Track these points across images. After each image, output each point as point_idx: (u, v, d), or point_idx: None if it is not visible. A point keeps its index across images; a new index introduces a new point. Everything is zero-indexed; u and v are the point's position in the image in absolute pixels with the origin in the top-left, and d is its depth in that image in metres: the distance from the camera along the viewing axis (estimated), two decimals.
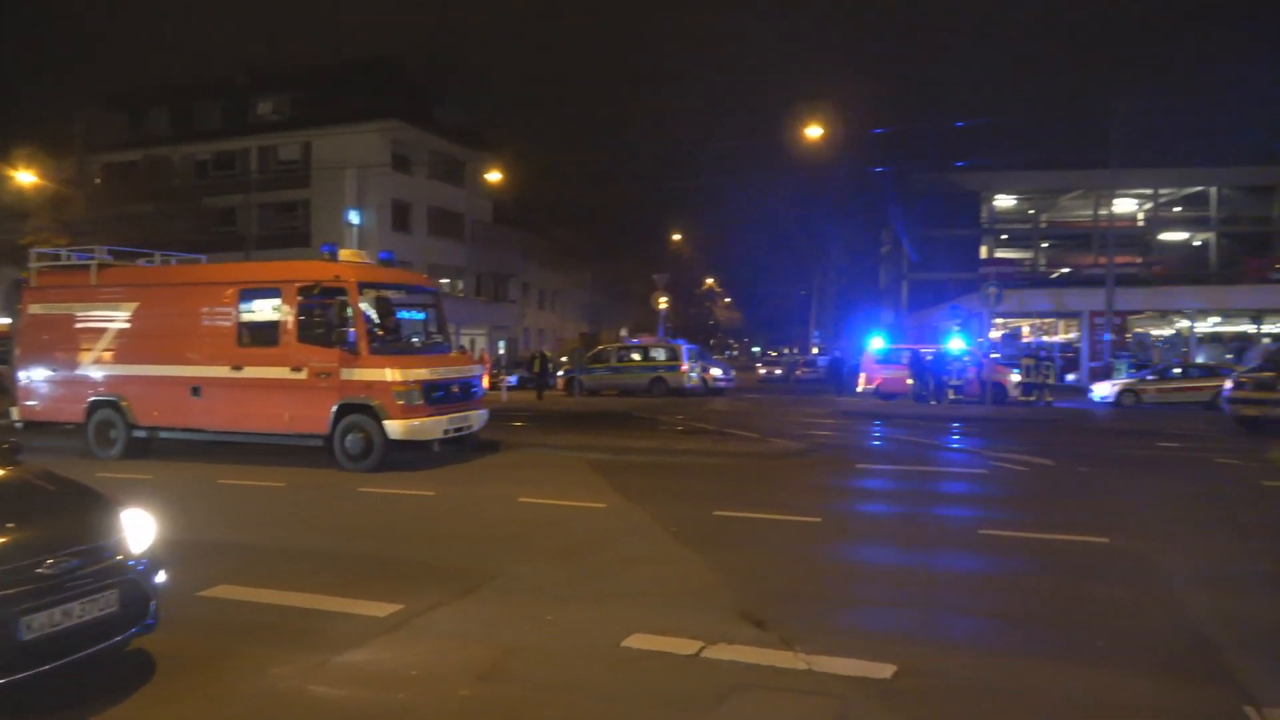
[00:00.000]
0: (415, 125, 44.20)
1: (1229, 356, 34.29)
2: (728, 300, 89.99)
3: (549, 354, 30.36)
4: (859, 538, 7.72)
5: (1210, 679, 4.50)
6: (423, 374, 12.08)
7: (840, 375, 32.78)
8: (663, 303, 33.53)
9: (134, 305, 13.43)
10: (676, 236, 57.59)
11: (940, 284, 50.55)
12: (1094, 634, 5.18)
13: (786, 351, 67.22)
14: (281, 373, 12.26)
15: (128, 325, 13.42)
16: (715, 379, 31.78)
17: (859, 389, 28.73)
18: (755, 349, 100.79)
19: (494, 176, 37.69)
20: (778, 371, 50.09)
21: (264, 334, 12.53)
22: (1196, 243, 56.20)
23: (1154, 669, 4.65)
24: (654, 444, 14.46)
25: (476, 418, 13.14)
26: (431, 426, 12.01)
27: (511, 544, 7.56)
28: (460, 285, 49.38)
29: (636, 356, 30.79)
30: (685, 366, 29.86)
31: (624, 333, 35.91)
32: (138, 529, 4.59)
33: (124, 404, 13.34)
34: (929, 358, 26.56)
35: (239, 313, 12.73)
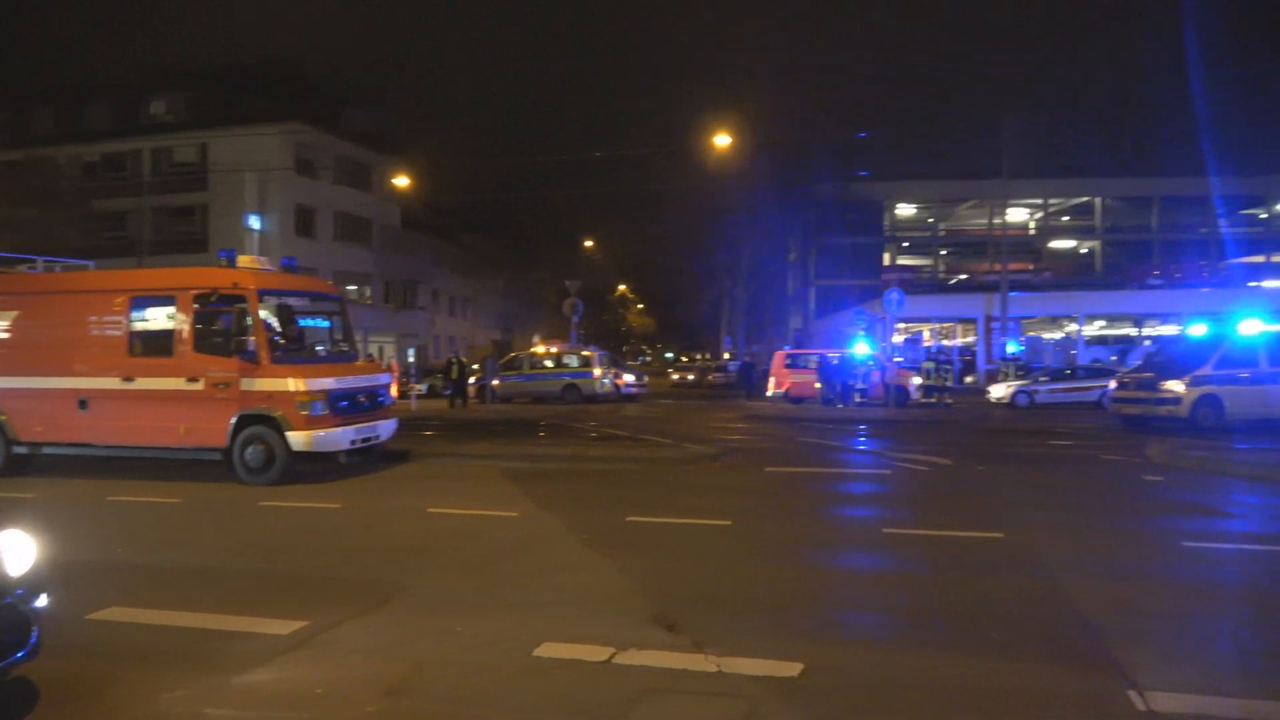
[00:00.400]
0: (320, 128, 43.10)
1: (1113, 358, 36.16)
2: (640, 306, 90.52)
3: (466, 360, 29.79)
4: (769, 539, 7.86)
5: (1097, 664, 4.74)
6: (327, 383, 11.78)
7: (751, 380, 33.28)
8: (574, 309, 33.46)
9: (14, 314, 12.72)
10: (589, 243, 57.73)
11: (846, 290, 51.91)
12: (990, 625, 5.39)
13: (699, 357, 67.90)
14: (176, 384, 11.78)
15: (7, 335, 12.69)
16: (628, 385, 31.89)
17: (769, 393, 29.23)
18: (668, 355, 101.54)
19: (403, 181, 37.05)
20: (690, 377, 50.52)
21: (157, 343, 12.02)
22: (1083, 250, 59.21)
23: (1045, 657, 4.87)
24: (567, 451, 14.43)
25: (385, 427, 12.88)
26: (337, 437, 11.72)
27: (421, 556, 7.43)
28: (368, 292, 48.33)
29: (549, 363, 30.69)
30: (598, 373, 29.88)
31: (537, 339, 35.71)
32: (16, 551, 4.35)
33: (2, 418, 12.61)
34: (836, 362, 27.22)
35: (130, 322, 12.18)
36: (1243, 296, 40.63)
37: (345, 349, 13.18)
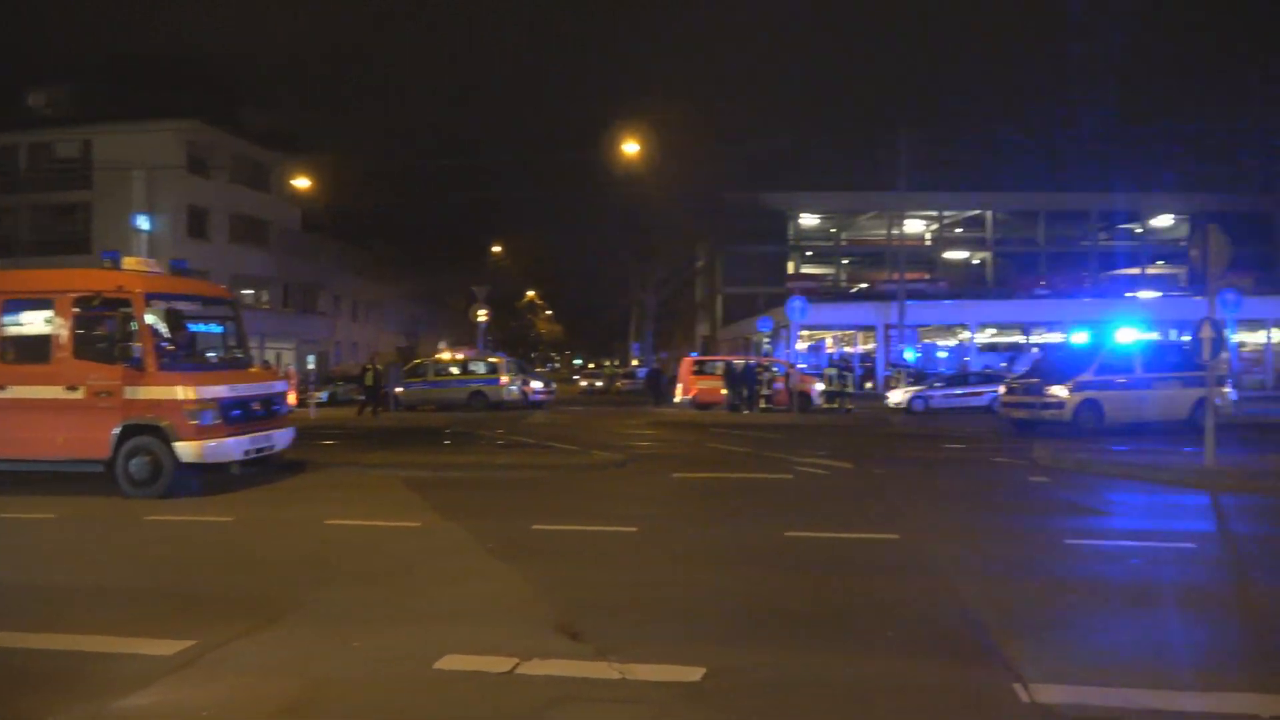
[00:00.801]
0: (215, 125, 41.48)
1: (1003, 365, 37.76)
2: (549, 313, 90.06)
3: (381, 366, 28.99)
4: (673, 545, 7.91)
5: (985, 660, 4.94)
6: (219, 391, 11.33)
7: (659, 386, 33.51)
8: (482, 315, 33.08)
9: None
10: (497, 249, 57.10)
11: (752, 297, 52.75)
12: (885, 624, 5.56)
13: (607, 364, 68.05)
14: (54, 392, 11.14)
15: None
16: (535, 392, 31.73)
17: (677, 399, 29.48)
18: (577, 361, 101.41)
19: (304, 182, 35.94)
20: (599, 384, 50.54)
21: (33, 349, 11.35)
22: (976, 261, 61.77)
23: (937, 654, 5.04)
24: (472, 459, 14.25)
25: (280, 437, 12.46)
26: (229, 447, 11.28)
27: (318, 568, 7.22)
28: (266, 296, 46.73)
29: (455, 370, 30.30)
30: (505, 380, 29.63)
31: (443, 346, 35.08)
32: None
33: None
34: (742, 368, 27.64)
35: (2, 326, 11.47)
36: (1120, 306, 43.09)
37: (239, 355, 12.71)
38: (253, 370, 12.71)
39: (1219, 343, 12.35)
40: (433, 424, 23.27)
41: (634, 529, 8.55)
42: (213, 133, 41.27)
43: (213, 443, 11.09)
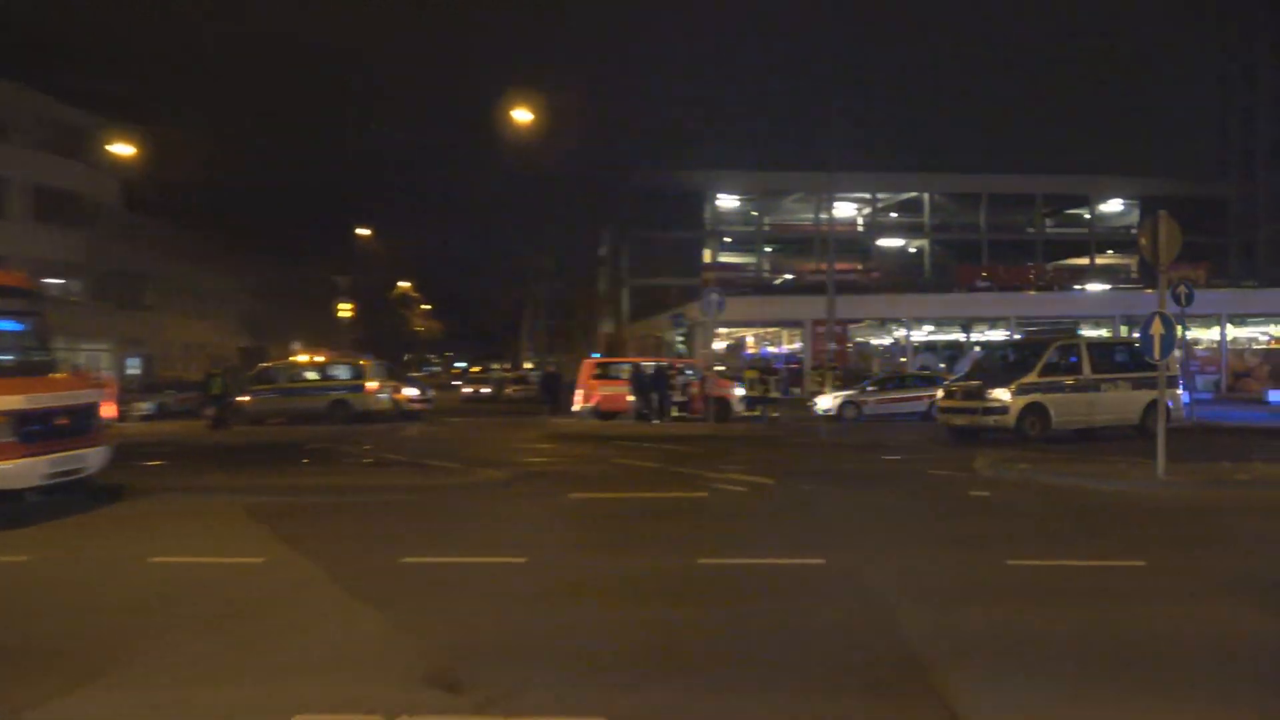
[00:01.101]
0: (13, 80, 39.46)
1: (942, 365, 39.03)
2: (427, 307, 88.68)
3: (224, 371, 27.99)
4: (569, 578, 7.89)
5: (919, 695, 5.08)
6: (13, 402, 10.76)
7: (556, 393, 33.46)
8: (345, 310, 32.43)
9: None
10: (365, 232, 55.87)
11: (663, 290, 53.18)
12: (808, 660, 5.66)
13: (496, 367, 67.59)
14: None
15: None
16: (410, 400, 31.26)
17: (576, 408, 29.44)
18: (460, 364, 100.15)
19: (126, 150, 34.45)
20: (485, 390, 50.15)
21: None
22: (912, 250, 63.72)
23: (866, 692, 5.16)
24: (332, 481, 13.96)
25: (93, 457, 11.92)
26: (24, 471, 10.72)
27: (141, 616, 6.93)
28: (78, 287, 44.65)
29: (313, 375, 29.66)
30: (372, 386, 29.16)
31: (297, 347, 34.17)
32: None
33: None
34: (651, 371, 27.80)
35: None
36: (1068, 300, 45.14)
37: (40, 359, 12.11)
38: (58, 377, 12.13)
39: (1170, 339, 13.03)
40: (285, 440, 22.70)
41: (523, 559, 8.49)
42: (9, 89, 39.27)
43: (4, 465, 10.53)
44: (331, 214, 58.41)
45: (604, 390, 28.93)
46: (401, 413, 30.60)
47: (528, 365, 58.65)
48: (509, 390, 48.37)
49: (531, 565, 8.33)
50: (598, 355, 30.80)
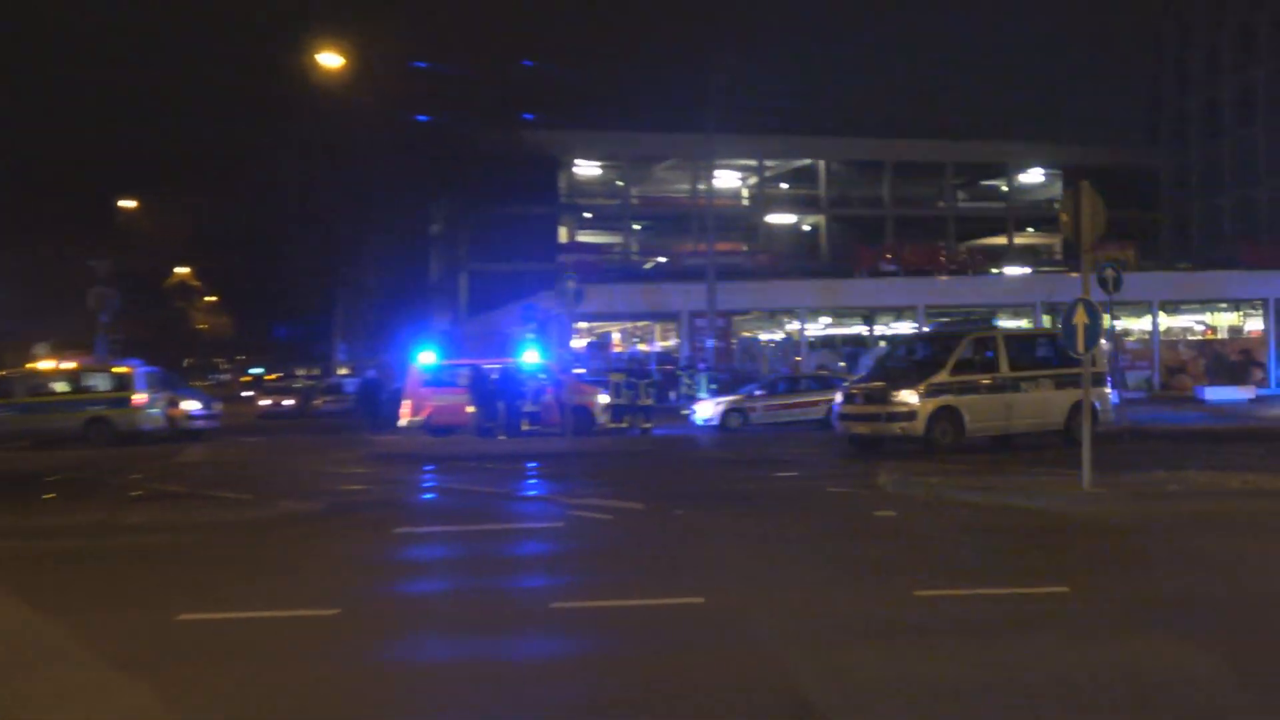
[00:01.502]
0: None
1: (842, 364, 40.07)
2: (212, 300, 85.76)
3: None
4: (395, 631, 7.76)
5: None
6: None
7: (377, 404, 32.93)
8: (103, 303, 31.20)
9: None
10: (131, 204, 53.57)
11: (511, 277, 53.03)
12: (682, 713, 5.69)
13: (303, 374, 66.16)
14: None
15: None
16: (190, 416, 30.31)
17: (403, 422, 29.04)
18: (256, 371, 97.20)
19: None
20: (289, 402, 49.10)
21: None
22: (806, 227, 65.29)
23: None
24: (87, 519, 13.46)
25: None
26: None
27: None
28: None
29: (63, 387, 28.68)
30: (141, 399, 28.26)
31: (42, 351, 32.54)
32: None
33: None
34: (495, 377, 27.62)
35: None
36: (983, 285, 46.94)
37: None
38: None
39: (1095, 330, 13.66)
40: (26, 468, 21.80)
41: (333, 611, 8.30)
42: None
43: None
44: (91, 183, 55.82)
45: (438, 400, 28.59)
46: (180, 432, 29.62)
47: (342, 371, 57.53)
48: (319, 402, 47.49)
49: (344, 618, 8.14)
50: (430, 356, 30.35)
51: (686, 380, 34.32)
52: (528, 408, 27.05)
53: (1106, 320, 21.11)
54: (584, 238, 60.15)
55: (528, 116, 53.25)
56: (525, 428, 26.80)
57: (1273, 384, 41.53)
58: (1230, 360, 42.57)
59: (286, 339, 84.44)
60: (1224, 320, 47.99)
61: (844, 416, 21.39)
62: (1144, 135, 70.89)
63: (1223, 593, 8.46)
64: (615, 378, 28.72)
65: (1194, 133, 66.62)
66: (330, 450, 25.65)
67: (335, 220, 52.42)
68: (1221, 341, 45.95)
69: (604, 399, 28.41)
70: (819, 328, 47.69)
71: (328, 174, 49.87)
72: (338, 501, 15.03)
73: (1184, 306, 47.02)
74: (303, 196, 51.72)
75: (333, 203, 51.28)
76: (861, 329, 47.71)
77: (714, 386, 33.27)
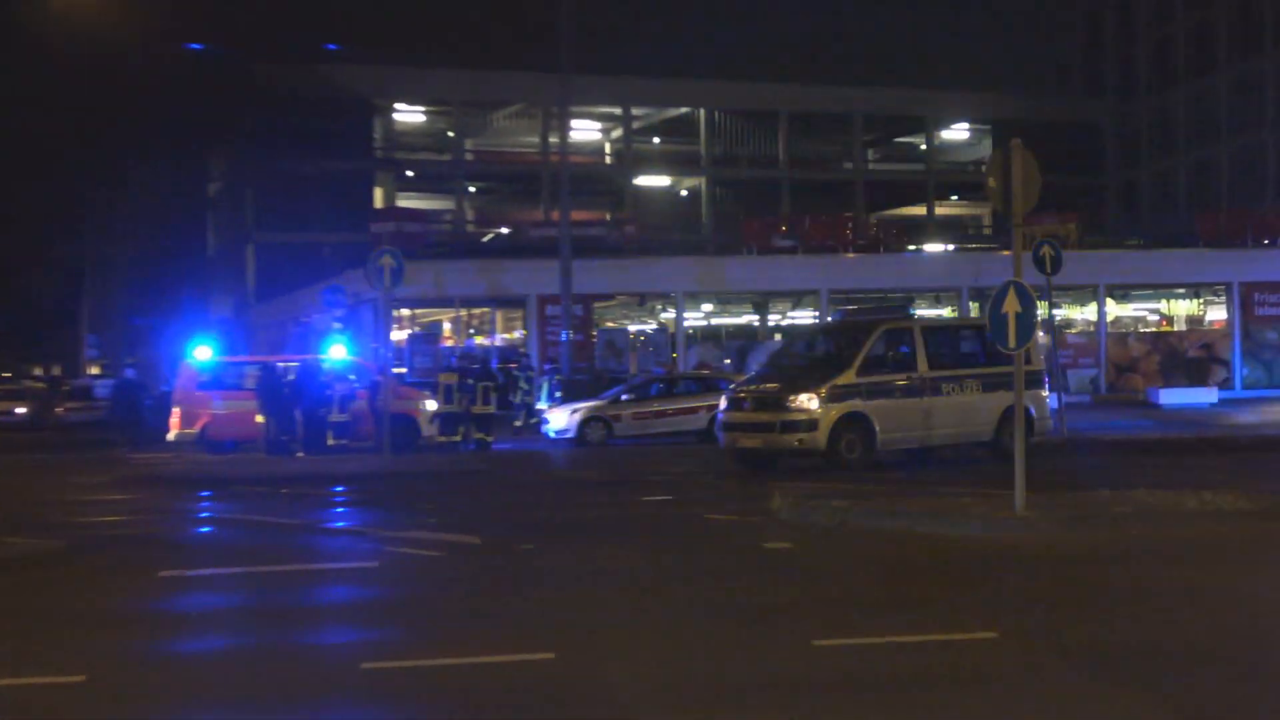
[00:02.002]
0: None
1: (727, 362, 40.48)
2: None
3: None
4: (157, 702, 7.62)
5: None
6: None
7: (137, 412, 32.23)
8: None
9: None
10: None
11: (311, 251, 52.28)
12: None
13: (39, 374, 64.16)
14: None
15: None
16: None
17: (172, 435, 28.49)
18: None
19: None
20: (21, 410, 47.72)
21: None
22: (683, 192, 65.82)
23: None
24: None
25: None
26: None
27: None
28: None
29: None
30: None
31: None
32: None
33: None
34: (292, 378, 27.26)
35: None
36: (899, 266, 47.83)
37: None
38: None
39: (1029, 320, 14.05)
40: None
41: (79, 678, 8.11)
42: None
43: None
44: None
45: (217, 407, 28.13)
46: None
47: (93, 370, 56.02)
48: (61, 409, 46.25)
49: (93, 687, 7.96)
50: (206, 351, 29.82)
51: (523, 383, 34.24)
52: (334, 417, 26.78)
53: (1043, 308, 21.78)
54: (405, 202, 59.48)
55: (332, 47, 52.53)
56: (331, 442, 26.51)
57: (1237, 384, 43.06)
58: (1188, 356, 44.05)
59: (16, 330, 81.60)
60: (1181, 309, 49.39)
61: (730, 426, 21.61)
62: (1085, 85, 72.91)
63: (1177, 637, 8.78)
64: (446, 379, 28.56)
65: (1143, 82, 68.46)
66: (77, 471, 25.14)
67: (79, 180, 50.82)
68: (1178, 334, 47.31)
69: (431, 406, 28.26)
70: (699, 317, 48.06)
71: (66, 118, 48.37)
72: (87, 537, 14.73)
73: (1135, 292, 48.22)
74: (32, 148, 50.00)
75: (75, 157, 49.70)
76: (751, 319, 48.24)
77: (559, 394, 33.25)
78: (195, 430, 28.10)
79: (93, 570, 12.66)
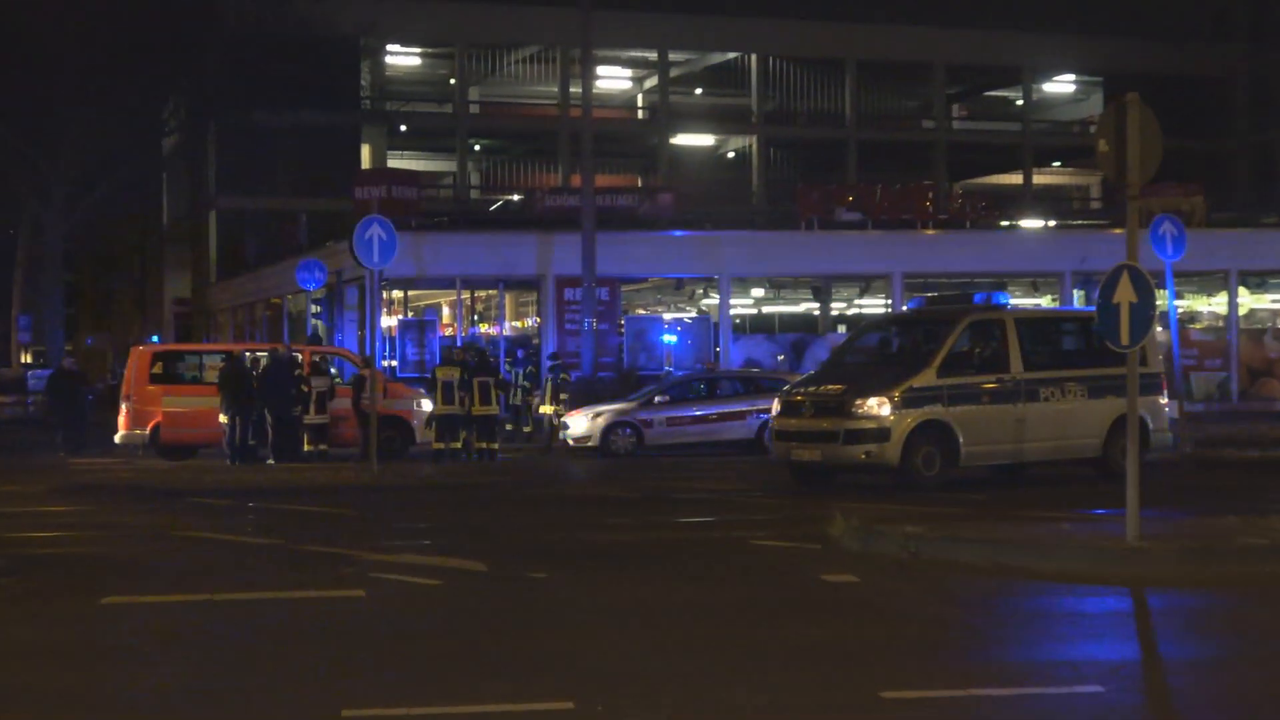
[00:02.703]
0: None
1: (780, 359, 40.34)
2: None
3: None
4: None
5: None
6: None
7: (79, 409, 32.36)
8: None
9: None
10: None
11: (286, 220, 52.23)
12: None
13: None
14: None
15: None
16: None
17: (120, 436, 28.62)
18: None
19: None
20: None
21: None
22: (730, 154, 65.49)
23: None
24: None
25: None
26: None
27: None
28: None
29: None
30: None
31: None
32: None
33: None
34: (262, 371, 27.35)
35: None
36: (989, 246, 47.46)
37: None
38: None
39: (1146, 312, 13.94)
40: None
41: None
42: None
43: None
44: None
45: (173, 405, 28.23)
46: None
47: (26, 359, 56.30)
48: None
49: None
50: (158, 340, 30.03)
51: (523, 381, 34.18)
52: (311, 418, 26.83)
53: (1162, 298, 21.64)
54: (398, 162, 59.47)
55: None
56: (309, 448, 26.58)
57: None
58: None
59: None
60: None
61: (783, 435, 21.56)
62: (1214, 31, 71.77)
63: None
64: (444, 374, 28.49)
65: None
66: (4, 479, 25.21)
67: (10, 133, 50.96)
68: None
69: (427, 406, 28.28)
70: (748, 304, 47.94)
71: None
72: (16, 557, 14.78)
73: (1273, 280, 47.50)
74: None
75: (3, 106, 49.79)
76: (810, 307, 48.10)
77: (564, 396, 32.96)
78: (146, 431, 28.20)
79: (23, 595, 12.70)
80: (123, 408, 28.80)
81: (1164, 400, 23.31)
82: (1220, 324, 44.95)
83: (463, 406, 27.65)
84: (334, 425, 27.34)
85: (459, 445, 27.68)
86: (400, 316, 44.01)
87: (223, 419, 26.86)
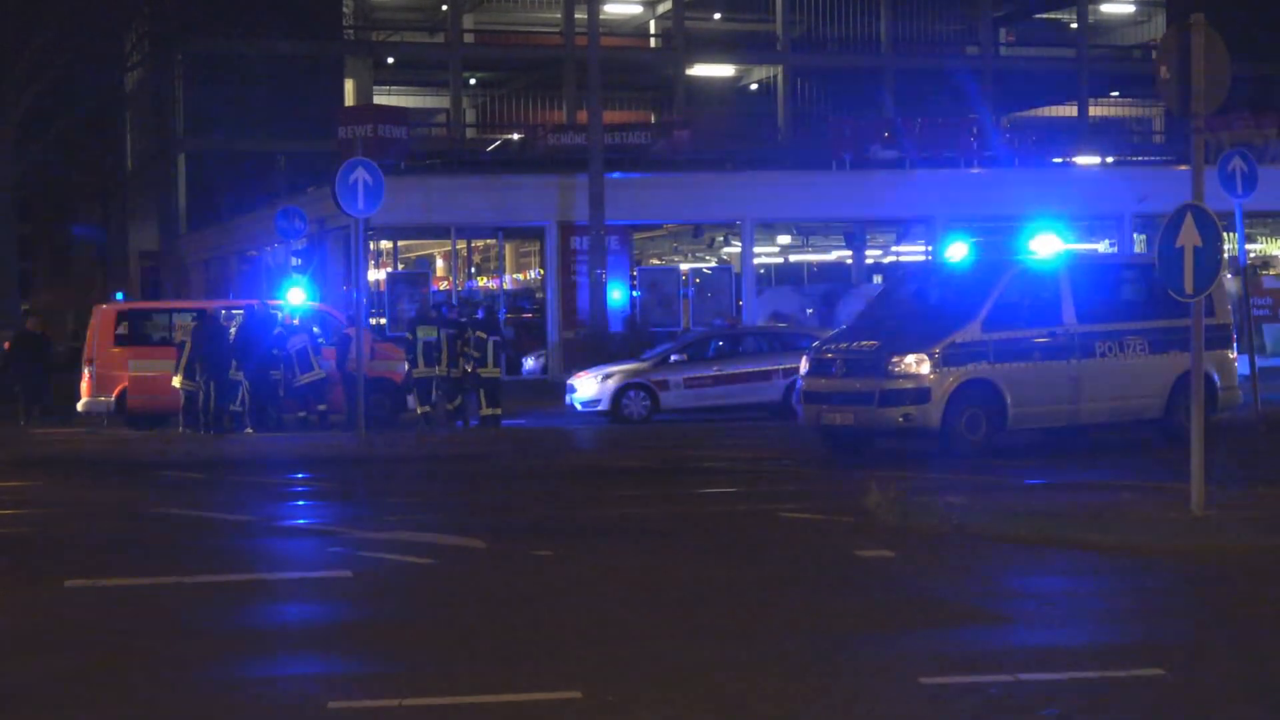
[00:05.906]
0: None
1: (809, 312, 40.26)
2: None
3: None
4: None
5: None
6: None
7: (40, 374, 32.43)
8: None
9: None
10: None
11: (261, 162, 52.21)
12: None
13: None
14: None
15: None
16: None
17: (82, 404, 28.68)
18: None
19: None
20: None
21: None
22: (753, 86, 65.25)
23: None
24: None
25: None
26: None
27: None
28: None
29: None
30: None
31: None
32: None
33: None
34: (236, 331, 27.36)
35: None
36: (1040, 185, 47.26)
37: None
38: None
39: (1213, 258, 13.90)
40: None
41: None
42: None
43: None
44: None
45: (141, 368, 28.27)
46: None
47: None
48: None
49: None
50: (123, 298, 30.07)
51: (471, 348, 33.55)
52: (299, 379, 26.84)
53: (1230, 242, 21.57)
54: (385, 98, 59.26)
55: None
56: (290, 417, 26.62)
57: None
58: None
59: None
60: None
61: (813, 397, 21.54)
62: None
63: None
64: (425, 333, 28.36)
65: None
66: None
67: None
68: None
69: (420, 368, 28.27)
70: (774, 253, 47.84)
71: None
72: None
73: None
74: None
75: None
76: (842, 254, 47.97)
77: (540, 352, 32.57)
78: (112, 398, 28.24)
79: None
80: (85, 372, 28.79)
81: (1233, 355, 23.23)
82: None
83: (457, 369, 27.56)
84: (317, 389, 27.34)
85: (453, 409, 27.60)
86: (389, 269, 44.03)
87: (177, 383, 26.64)
